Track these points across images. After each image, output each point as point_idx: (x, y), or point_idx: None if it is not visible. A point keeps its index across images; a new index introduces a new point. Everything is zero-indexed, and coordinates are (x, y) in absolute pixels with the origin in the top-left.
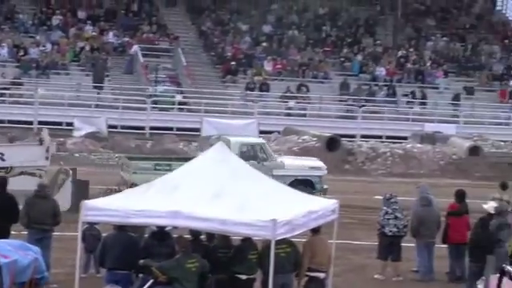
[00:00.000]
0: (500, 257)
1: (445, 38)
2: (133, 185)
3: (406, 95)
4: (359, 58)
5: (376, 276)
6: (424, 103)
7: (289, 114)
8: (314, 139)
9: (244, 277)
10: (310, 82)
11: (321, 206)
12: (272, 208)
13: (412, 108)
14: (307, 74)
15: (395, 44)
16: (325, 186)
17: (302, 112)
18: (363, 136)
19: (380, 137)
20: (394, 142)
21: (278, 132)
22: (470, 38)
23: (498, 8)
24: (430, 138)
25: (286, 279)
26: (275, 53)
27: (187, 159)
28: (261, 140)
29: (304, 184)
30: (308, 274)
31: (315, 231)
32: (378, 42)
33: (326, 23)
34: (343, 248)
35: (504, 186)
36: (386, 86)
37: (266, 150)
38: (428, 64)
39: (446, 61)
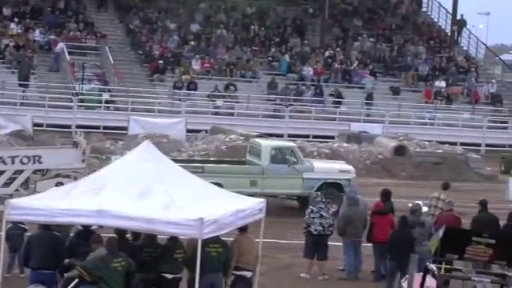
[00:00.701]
0: (423, 255)
1: (371, 39)
2: None
3: (333, 95)
4: (287, 57)
5: (302, 275)
6: (350, 103)
7: (216, 113)
8: (242, 138)
9: (170, 276)
10: (237, 81)
11: (248, 205)
12: (199, 207)
13: (339, 108)
14: (235, 73)
15: (322, 44)
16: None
17: (230, 111)
18: (290, 135)
19: (307, 136)
20: (320, 142)
21: (206, 131)
22: (396, 39)
23: (423, 9)
24: (357, 138)
25: (214, 278)
26: (203, 52)
27: (222, 161)
28: (291, 144)
29: (333, 187)
30: (235, 272)
31: (242, 230)
32: (306, 41)
33: (254, 22)
34: (270, 247)
35: (445, 186)
36: (313, 85)
37: (296, 153)
38: (355, 64)
39: (372, 61)
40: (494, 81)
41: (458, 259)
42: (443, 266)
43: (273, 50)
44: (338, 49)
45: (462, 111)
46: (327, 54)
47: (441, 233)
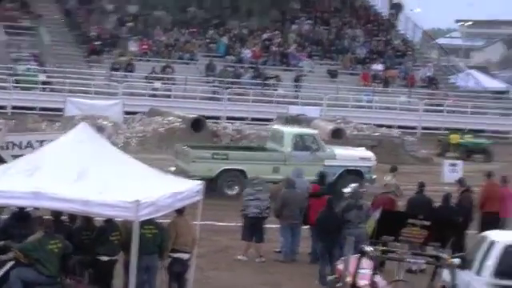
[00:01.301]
0: (359, 237)
1: (309, 22)
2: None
3: (271, 77)
4: (225, 39)
5: (239, 257)
6: (288, 86)
7: (154, 95)
8: (179, 120)
9: (106, 258)
10: (175, 63)
11: (186, 187)
12: (136, 189)
13: (277, 90)
14: (173, 55)
15: (261, 26)
16: (373, 176)
17: (168, 93)
18: (229, 118)
19: (245, 118)
20: (259, 124)
21: (143, 113)
22: (334, 22)
23: None
24: (295, 121)
25: (150, 260)
26: (140, 33)
27: (245, 148)
28: (313, 131)
29: (354, 174)
30: (171, 255)
31: (179, 212)
32: (244, 24)
33: (192, 4)
34: (208, 229)
35: (393, 169)
36: (251, 68)
37: (317, 140)
38: (293, 47)
39: (310, 44)
40: (430, 64)
41: (394, 241)
42: (379, 247)
43: (211, 32)
44: (276, 31)
45: (399, 94)
46: (265, 36)
47: (377, 215)
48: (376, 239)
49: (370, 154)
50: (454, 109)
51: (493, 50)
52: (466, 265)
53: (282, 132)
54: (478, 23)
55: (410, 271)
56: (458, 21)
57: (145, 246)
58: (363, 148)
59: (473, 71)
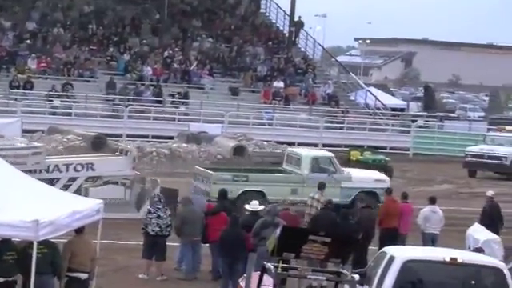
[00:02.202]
0: (261, 254)
1: (210, 39)
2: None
3: (173, 95)
4: (125, 57)
5: (140, 276)
6: (190, 103)
7: (54, 113)
8: (79, 138)
9: (2, 279)
10: (75, 81)
11: (86, 206)
12: (35, 208)
13: (178, 108)
14: (73, 72)
15: (161, 44)
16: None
17: (68, 111)
18: (129, 135)
19: (146, 136)
20: (160, 142)
21: (42, 131)
22: (235, 40)
23: (262, 10)
24: (196, 138)
25: (42, 280)
26: (40, 50)
27: (264, 171)
28: (330, 154)
29: (369, 195)
30: (68, 274)
31: (78, 231)
32: (145, 41)
33: (92, 21)
34: (108, 248)
35: (320, 187)
36: (152, 85)
37: (334, 163)
38: (194, 64)
39: (211, 61)
40: (330, 82)
41: (295, 258)
42: (280, 264)
43: (111, 49)
44: (176, 49)
45: (300, 111)
46: (166, 54)
47: (278, 232)
48: (277, 256)
49: (384, 176)
50: (353, 126)
51: (391, 68)
52: (365, 281)
53: (300, 155)
54: (376, 41)
55: None
56: (357, 39)
57: (36, 266)
58: (376, 171)
59: (372, 88)
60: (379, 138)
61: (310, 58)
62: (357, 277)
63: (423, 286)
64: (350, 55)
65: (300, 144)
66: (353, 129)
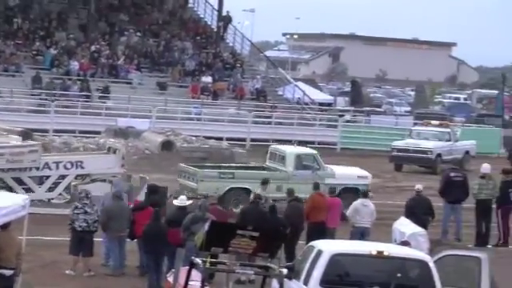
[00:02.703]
0: (190, 249)
1: (138, 34)
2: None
3: (100, 90)
4: (52, 51)
5: (67, 272)
6: (117, 98)
7: None
8: (4, 134)
9: None
10: (0, 76)
11: (12, 202)
12: None
13: (105, 103)
14: None
15: (88, 38)
16: (370, 194)
17: None
18: (56, 130)
19: (73, 131)
20: (87, 137)
21: None
22: (162, 34)
23: (190, 5)
24: (123, 133)
25: None
26: None
27: (249, 168)
28: (313, 151)
29: (352, 192)
30: None
31: (4, 227)
32: (71, 35)
33: (18, 15)
34: (35, 244)
35: (263, 182)
36: (79, 80)
37: (318, 160)
38: (121, 59)
39: (139, 56)
40: (258, 77)
41: (223, 252)
42: (208, 259)
43: (37, 43)
44: (104, 43)
45: (228, 106)
46: (93, 48)
47: (206, 227)
48: (205, 251)
49: (366, 173)
50: (281, 120)
51: (319, 63)
52: (294, 274)
53: (284, 152)
54: (304, 36)
55: (239, 282)
56: (285, 34)
57: None
58: (358, 167)
59: (299, 83)
60: (307, 132)
61: (238, 53)
62: (285, 271)
63: (350, 279)
64: (278, 50)
65: (228, 139)
66: (281, 123)
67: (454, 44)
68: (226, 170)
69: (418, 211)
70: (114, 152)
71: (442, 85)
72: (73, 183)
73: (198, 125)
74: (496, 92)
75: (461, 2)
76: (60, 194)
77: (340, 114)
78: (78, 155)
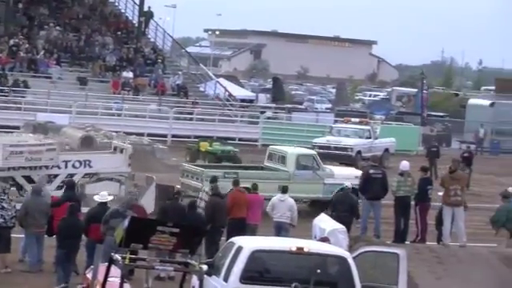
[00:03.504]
0: (109, 244)
1: (58, 28)
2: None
3: (18, 84)
4: None
5: None
6: (36, 92)
7: None
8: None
9: None
10: None
11: None
12: None
13: (24, 97)
14: None
15: (7, 32)
16: None
17: None
18: None
19: None
20: (6, 132)
21: None
22: (83, 29)
23: (110, 0)
24: (43, 128)
25: None
26: None
27: (251, 168)
28: (313, 151)
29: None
30: None
31: None
32: None
33: None
34: None
35: (212, 180)
36: None
37: (317, 160)
38: (41, 53)
39: (59, 50)
40: (180, 73)
41: (143, 249)
42: (128, 255)
43: None
44: (22, 37)
45: (149, 102)
46: (12, 42)
47: (126, 223)
48: (125, 247)
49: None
50: (203, 117)
51: (240, 60)
52: (214, 271)
53: (286, 152)
54: (226, 33)
55: (159, 278)
56: (206, 30)
57: None
58: (353, 168)
59: (221, 80)
60: (228, 129)
61: (159, 49)
62: (205, 267)
63: (270, 275)
64: (200, 46)
65: (149, 135)
66: (202, 120)
67: (375, 42)
68: (231, 170)
69: (342, 208)
70: (121, 151)
71: (362, 82)
72: (80, 182)
73: (119, 120)
74: (415, 90)
75: (381, 1)
76: None
77: (261, 110)
78: (87, 154)
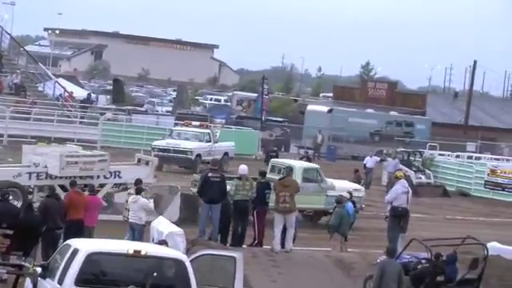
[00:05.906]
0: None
1: None
2: None
3: None
4: None
5: None
6: None
7: None
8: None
9: None
10: None
11: None
12: None
13: None
14: None
15: None
16: (363, 205)
17: None
18: None
19: None
20: None
21: None
22: None
23: None
24: None
25: None
26: None
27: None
28: (317, 166)
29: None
30: None
31: None
32: None
33: None
34: None
35: (137, 183)
36: None
37: (320, 174)
38: None
39: None
40: (18, 71)
41: None
42: None
43: None
44: None
45: None
46: None
47: None
48: None
49: (359, 186)
50: (41, 117)
51: (81, 60)
52: (48, 273)
53: (291, 166)
54: (66, 32)
55: None
56: (46, 29)
57: None
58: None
59: (61, 80)
60: (67, 129)
61: None
62: (39, 269)
63: (106, 278)
64: (39, 45)
65: None
66: (40, 120)
67: (217, 46)
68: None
69: None
70: (147, 163)
71: (203, 86)
72: (108, 191)
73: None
74: (255, 95)
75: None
76: None
77: (101, 112)
78: (117, 165)
